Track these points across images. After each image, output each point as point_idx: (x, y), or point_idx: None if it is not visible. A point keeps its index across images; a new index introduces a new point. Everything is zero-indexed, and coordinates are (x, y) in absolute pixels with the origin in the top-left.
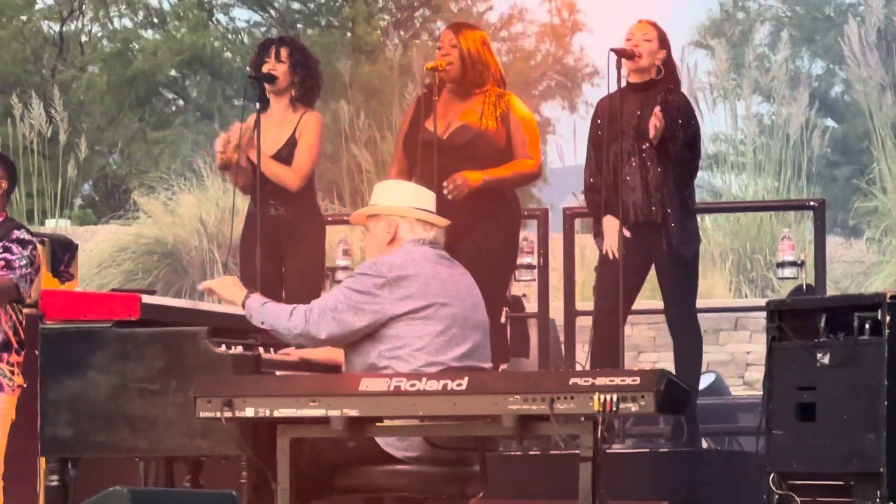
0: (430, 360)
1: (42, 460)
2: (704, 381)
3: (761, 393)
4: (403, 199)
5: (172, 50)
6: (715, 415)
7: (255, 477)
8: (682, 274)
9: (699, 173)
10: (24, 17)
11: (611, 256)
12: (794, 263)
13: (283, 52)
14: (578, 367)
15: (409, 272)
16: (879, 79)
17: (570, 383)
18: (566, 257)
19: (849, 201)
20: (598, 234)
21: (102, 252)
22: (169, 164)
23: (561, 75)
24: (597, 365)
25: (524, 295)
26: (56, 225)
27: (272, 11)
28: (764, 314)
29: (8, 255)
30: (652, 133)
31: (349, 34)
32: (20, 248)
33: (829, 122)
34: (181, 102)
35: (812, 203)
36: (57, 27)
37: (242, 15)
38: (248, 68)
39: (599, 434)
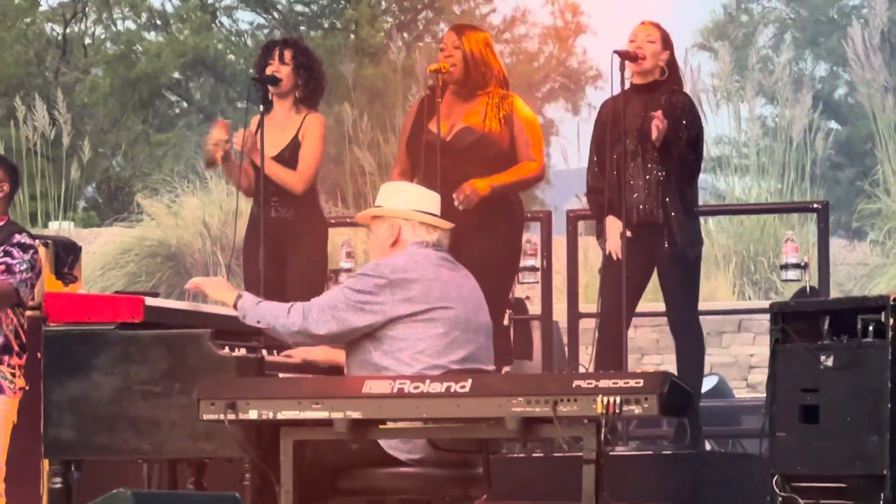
0: (431, 362)
1: (45, 462)
2: (708, 383)
3: (765, 395)
4: (407, 201)
5: (176, 52)
6: (718, 417)
7: (259, 479)
8: (684, 276)
9: (702, 175)
10: (27, 20)
11: (614, 257)
12: (797, 266)
13: (287, 55)
14: (582, 370)
15: (411, 275)
16: (883, 81)
17: (574, 385)
18: (569, 259)
19: (852, 203)
20: (601, 236)
21: (106, 254)
22: (172, 166)
23: (564, 77)
24: (601, 367)
25: (527, 297)
26: (59, 227)
27: (275, 14)
28: (767, 316)
29: (9, 260)
30: (654, 134)
31: (352, 36)
32: (21, 253)
33: (833, 125)
34: (184, 105)
35: (815, 205)
36: (60, 29)
37: (245, 17)
38: (251, 70)
39: (603, 436)
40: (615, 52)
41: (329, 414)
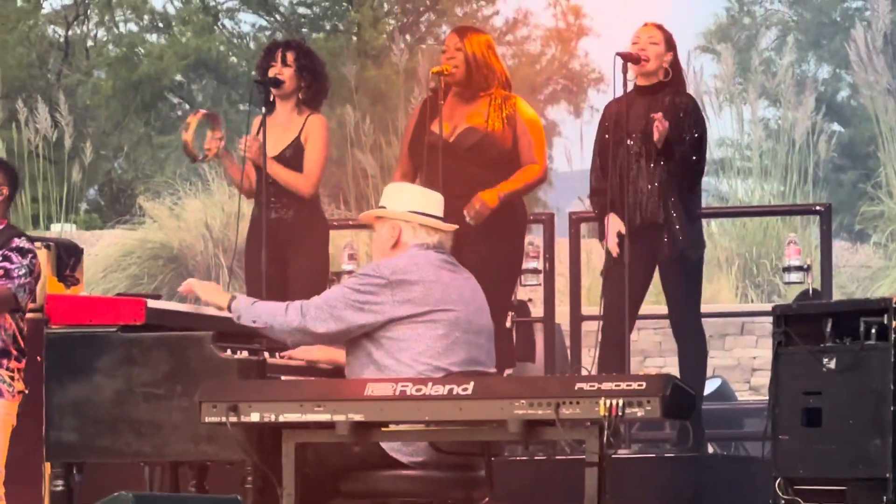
0: (432, 363)
1: (47, 465)
2: (710, 385)
3: (767, 398)
4: (408, 203)
5: (178, 54)
6: (721, 420)
7: (261, 482)
8: (686, 278)
9: (705, 178)
10: (30, 22)
11: (613, 254)
12: (800, 268)
13: (290, 57)
14: (584, 372)
15: (411, 277)
16: (886, 83)
17: (576, 388)
18: (572, 262)
19: (855, 206)
20: (604, 237)
21: (108, 256)
22: (174, 168)
23: (566, 80)
24: (603, 369)
25: (530, 299)
26: (61, 229)
27: (277, 16)
28: (770, 319)
29: (7, 265)
30: (656, 136)
31: (355, 39)
32: (19, 257)
33: (836, 127)
34: (187, 107)
35: (818, 207)
36: (62, 32)
37: (248, 19)
38: (253, 73)
39: (605, 439)
40: (617, 53)
41: (331, 416)
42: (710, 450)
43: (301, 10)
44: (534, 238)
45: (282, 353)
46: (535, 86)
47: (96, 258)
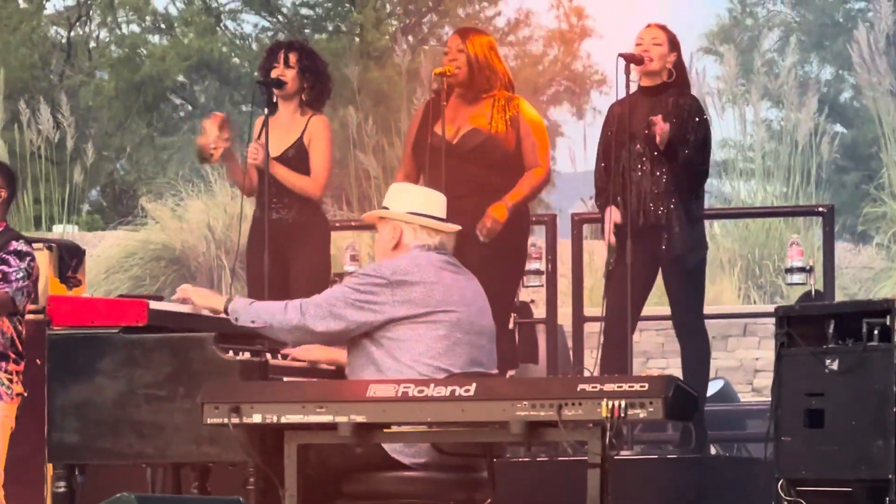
0: (433, 363)
1: (49, 466)
2: (713, 387)
3: (770, 399)
4: (409, 204)
5: (180, 55)
6: (723, 421)
7: (263, 483)
8: (688, 279)
9: (707, 179)
10: (32, 23)
11: (611, 244)
12: (802, 269)
13: (292, 58)
14: (587, 373)
15: (412, 277)
16: (888, 84)
17: (579, 389)
18: (574, 263)
19: (857, 207)
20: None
21: (110, 258)
22: (177, 169)
23: (569, 81)
24: (606, 370)
25: (532, 301)
26: (63, 230)
27: (280, 17)
28: (772, 320)
29: (5, 268)
30: (658, 140)
31: (357, 40)
32: (17, 261)
33: (838, 128)
34: (189, 108)
35: (821, 209)
36: (65, 33)
37: (250, 20)
38: (256, 74)
39: (608, 440)
40: (620, 55)
41: (333, 417)
42: (713, 451)
43: (303, 11)
44: (536, 239)
45: (281, 353)
46: (538, 87)
47: (98, 259)
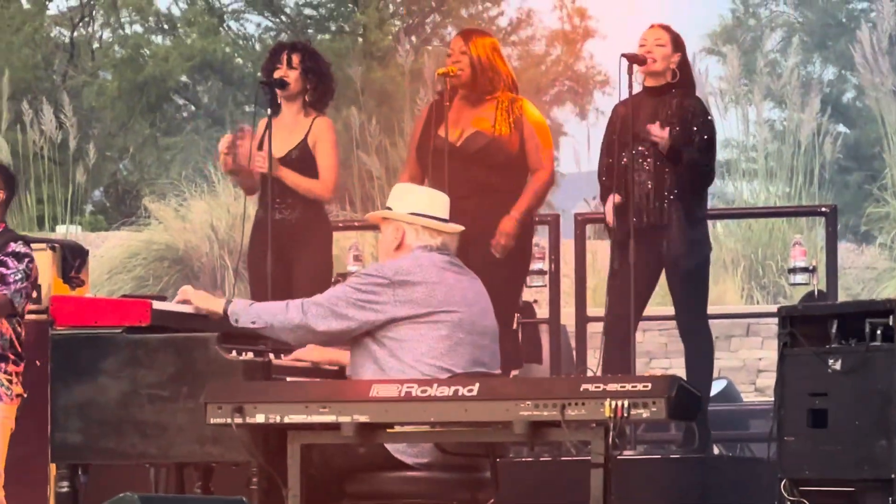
0: (435, 363)
1: (52, 466)
2: (716, 387)
3: (773, 399)
4: (412, 204)
5: (183, 56)
6: (726, 421)
7: (266, 483)
8: (692, 280)
9: (713, 180)
10: (35, 24)
11: (609, 224)
12: (805, 269)
13: (295, 59)
14: (590, 373)
15: (414, 278)
16: (891, 84)
17: (582, 389)
18: (577, 263)
19: (860, 207)
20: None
21: (113, 258)
22: (180, 170)
23: (572, 81)
24: (608, 369)
25: (535, 301)
26: (67, 231)
27: (283, 17)
28: (776, 320)
29: (3, 270)
30: (659, 146)
31: (360, 40)
32: (15, 262)
33: (841, 128)
34: (192, 108)
35: (824, 209)
36: (68, 33)
37: (253, 20)
38: (259, 74)
39: (611, 440)
40: (623, 55)
41: (336, 417)
42: (716, 451)
43: (307, 11)
44: (539, 239)
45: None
46: (541, 87)
47: (101, 260)
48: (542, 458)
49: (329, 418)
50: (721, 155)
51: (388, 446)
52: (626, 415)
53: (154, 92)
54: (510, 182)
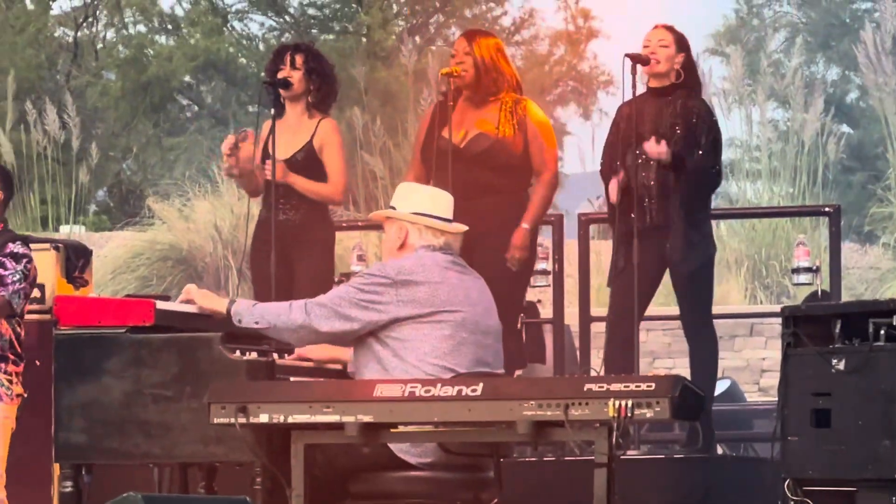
0: (438, 363)
1: (56, 466)
2: (720, 387)
3: (776, 399)
4: (415, 204)
5: (187, 56)
6: (730, 421)
7: (270, 483)
8: (696, 280)
9: (721, 181)
10: (39, 24)
11: (612, 201)
12: (809, 269)
13: (299, 59)
14: (593, 373)
15: (416, 277)
16: (895, 84)
17: (585, 389)
18: (581, 263)
19: (864, 207)
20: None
21: (117, 258)
22: (184, 170)
23: (576, 81)
24: (611, 369)
25: (539, 301)
26: (70, 231)
27: (287, 17)
28: (779, 320)
29: (1, 271)
30: (661, 161)
31: (364, 40)
32: (13, 263)
33: (845, 128)
34: (196, 108)
35: (827, 209)
36: (72, 33)
37: (257, 20)
38: (262, 74)
39: (614, 440)
40: (626, 55)
41: (340, 417)
42: (720, 451)
43: (310, 11)
44: (543, 239)
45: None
46: (545, 87)
47: (105, 260)
48: (545, 458)
49: (333, 418)
50: (725, 155)
51: (392, 446)
52: (629, 414)
53: (157, 92)
54: (514, 182)
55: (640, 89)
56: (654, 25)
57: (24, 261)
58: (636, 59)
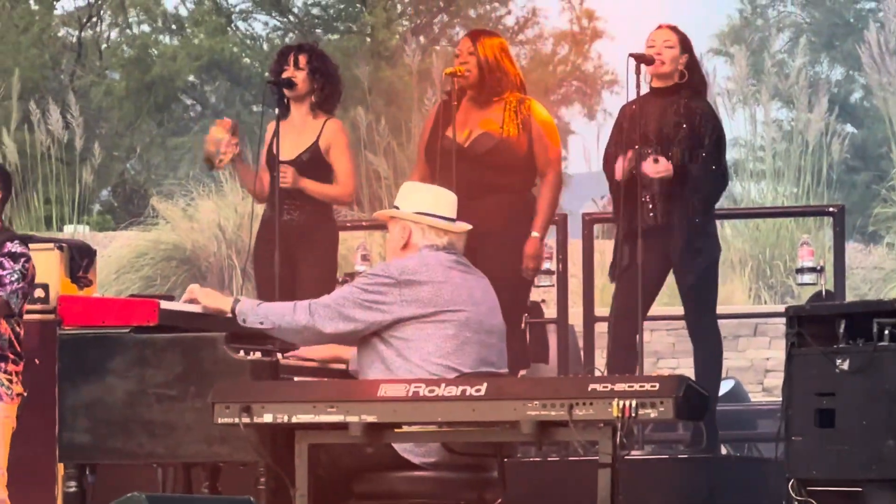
0: (442, 363)
1: (60, 466)
2: (724, 387)
3: (780, 399)
4: (418, 203)
5: (191, 56)
6: (734, 421)
7: (273, 483)
8: (700, 280)
9: (727, 182)
10: (43, 24)
11: (617, 177)
12: (813, 269)
13: (302, 60)
14: (597, 373)
15: (420, 277)
16: None
17: (589, 389)
18: (585, 263)
19: (868, 207)
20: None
21: (121, 258)
22: (187, 170)
23: (580, 81)
24: (614, 369)
25: (543, 301)
26: (74, 231)
27: (291, 17)
28: (783, 320)
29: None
30: (664, 177)
31: (368, 40)
32: (11, 263)
33: (849, 128)
34: (200, 108)
35: (831, 209)
36: (76, 33)
37: (261, 20)
38: (266, 74)
39: (618, 440)
40: (630, 54)
41: (344, 417)
42: (724, 451)
43: (314, 11)
44: (547, 239)
45: (286, 354)
46: (549, 87)
47: (109, 259)
48: (549, 458)
49: (337, 418)
50: (729, 155)
51: (396, 446)
52: (633, 415)
53: (161, 92)
54: (518, 183)
55: (644, 89)
56: (658, 25)
57: (23, 260)
58: (640, 59)
